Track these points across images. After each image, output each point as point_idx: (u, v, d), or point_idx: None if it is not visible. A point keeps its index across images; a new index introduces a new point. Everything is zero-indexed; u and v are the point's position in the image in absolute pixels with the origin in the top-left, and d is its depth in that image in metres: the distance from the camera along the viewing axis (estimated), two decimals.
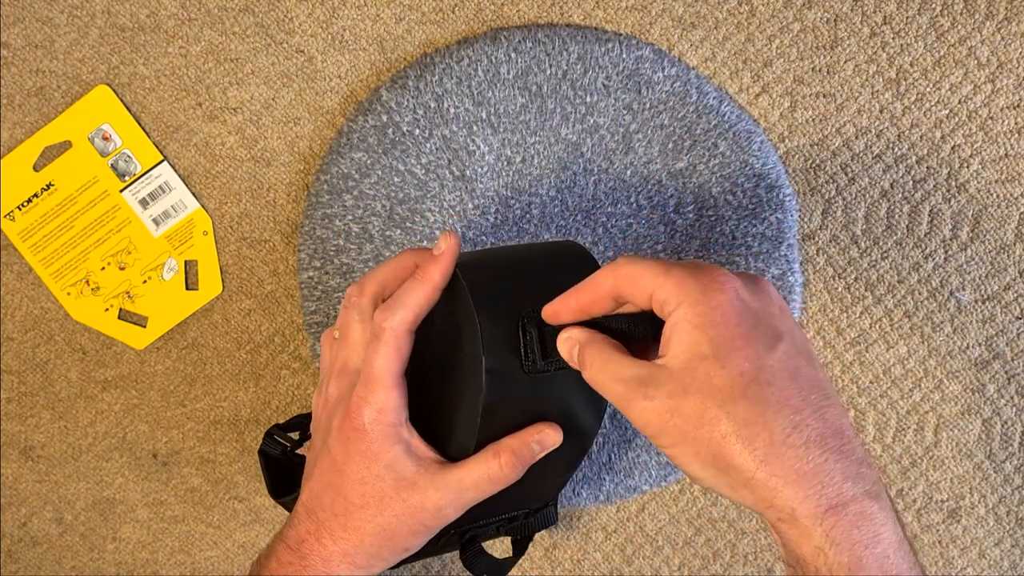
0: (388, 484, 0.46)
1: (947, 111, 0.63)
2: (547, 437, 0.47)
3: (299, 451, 0.59)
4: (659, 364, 0.39)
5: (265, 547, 0.51)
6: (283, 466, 0.58)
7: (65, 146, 0.66)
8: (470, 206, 0.64)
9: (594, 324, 0.44)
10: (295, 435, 0.60)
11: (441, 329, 0.49)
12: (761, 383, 0.36)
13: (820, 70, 0.63)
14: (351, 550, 0.47)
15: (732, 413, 0.36)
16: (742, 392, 0.36)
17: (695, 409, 0.37)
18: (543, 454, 0.47)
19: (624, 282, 0.41)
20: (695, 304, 0.38)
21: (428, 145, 0.63)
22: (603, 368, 0.41)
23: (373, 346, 0.46)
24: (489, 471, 0.46)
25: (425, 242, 0.64)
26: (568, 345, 0.44)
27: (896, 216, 0.64)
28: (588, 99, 0.62)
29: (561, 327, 0.45)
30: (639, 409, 0.39)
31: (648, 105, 0.62)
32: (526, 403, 0.47)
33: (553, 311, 0.45)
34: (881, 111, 0.63)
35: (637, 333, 0.43)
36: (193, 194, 0.67)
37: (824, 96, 0.63)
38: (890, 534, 0.36)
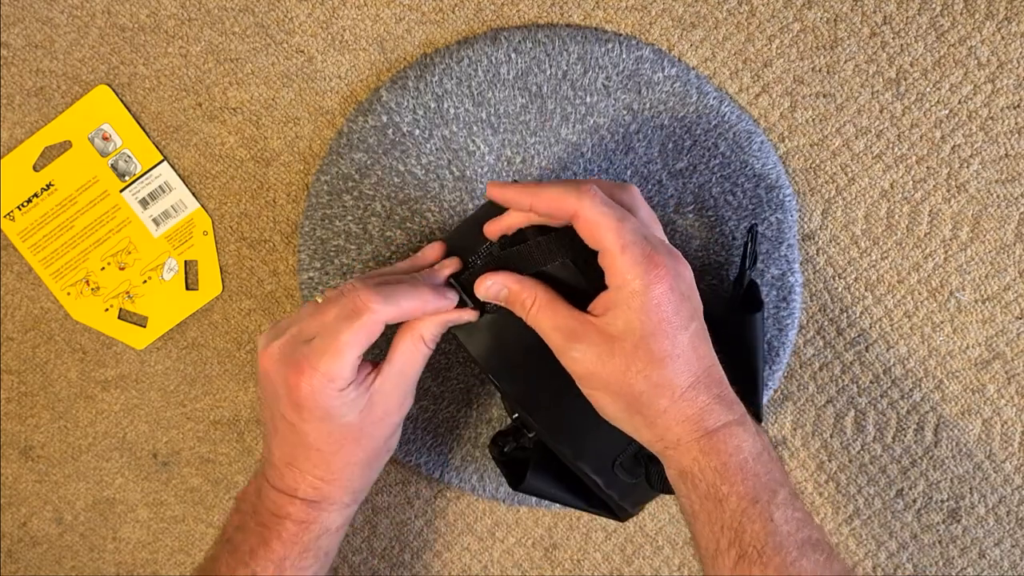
0: (351, 426, 0.52)
1: (947, 111, 0.63)
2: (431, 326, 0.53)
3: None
4: (594, 321, 0.48)
5: (245, 502, 0.55)
6: (512, 461, 0.60)
7: (65, 146, 0.66)
8: (470, 206, 0.63)
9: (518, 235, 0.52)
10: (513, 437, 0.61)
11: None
12: (673, 357, 0.47)
13: (820, 70, 0.63)
14: (345, 483, 0.54)
15: (648, 377, 0.47)
16: (659, 363, 0.47)
17: (619, 368, 0.47)
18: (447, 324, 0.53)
19: (582, 224, 0.48)
20: (637, 294, 0.47)
21: (428, 145, 0.63)
22: (541, 312, 0.50)
23: (348, 321, 0.49)
24: (404, 357, 0.52)
25: (425, 242, 0.64)
26: (496, 288, 0.52)
27: (896, 216, 0.64)
28: (588, 99, 0.62)
29: (473, 270, 0.53)
30: (571, 358, 0.49)
31: (648, 105, 0.62)
32: (514, 327, 0.52)
33: (497, 222, 0.53)
34: (881, 111, 0.63)
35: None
36: (193, 194, 0.67)
37: (824, 96, 0.63)
38: (750, 447, 0.47)
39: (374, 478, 0.56)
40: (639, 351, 0.47)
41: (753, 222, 0.63)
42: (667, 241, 0.51)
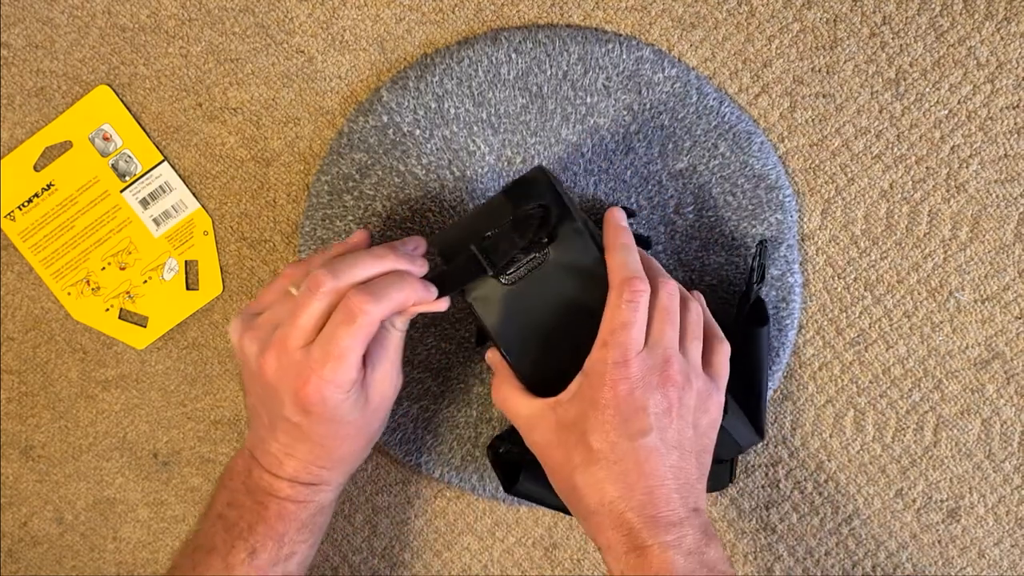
0: (353, 427, 0.53)
1: (946, 111, 0.63)
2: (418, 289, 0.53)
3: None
4: (554, 408, 0.51)
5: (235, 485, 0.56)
6: (508, 464, 0.61)
7: (66, 146, 0.66)
8: (471, 206, 0.64)
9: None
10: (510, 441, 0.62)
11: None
12: (610, 461, 0.49)
13: (819, 70, 0.63)
14: (342, 468, 0.56)
15: (583, 474, 0.49)
16: (593, 462, 0.49)
17: (562, 458, 0.51)
18: (399, 305, 0.51)
19: (612, 274, 0.53)
20: (595, 388, 0.50)
21: (428, 146, 0.63)
22: (505, 401, 0.54)
23: (345, 326, 0.49)
24: (381, 372, 0.53)
25: None
26: (488, 361, 0.57)
27: (895, 216, 0.64)
28: (588, 100, 0.62)
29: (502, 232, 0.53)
30: (526, 438, 0.53)
31: (648, 106, 0.62)
32: (532, 304, 0.53)
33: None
34: (880, 111, 0.63)
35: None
36: (193, 194, 0.67)
37: (823, 96, 0.63)
38: (680, 570, 0.47)
39: (367, 455, 0.58)
40: (580, 443, 0.49)
41: (763, 237, 0.63)
42: (691, 354, 0.53)
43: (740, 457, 0.67)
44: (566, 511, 0.58)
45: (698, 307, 0.55)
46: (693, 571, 0.47)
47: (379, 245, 0.53)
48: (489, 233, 0.53)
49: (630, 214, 0.60)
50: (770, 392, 0.65)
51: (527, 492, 0.59)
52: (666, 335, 0.51)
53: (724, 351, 0.55)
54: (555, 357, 0.53)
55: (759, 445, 0.66)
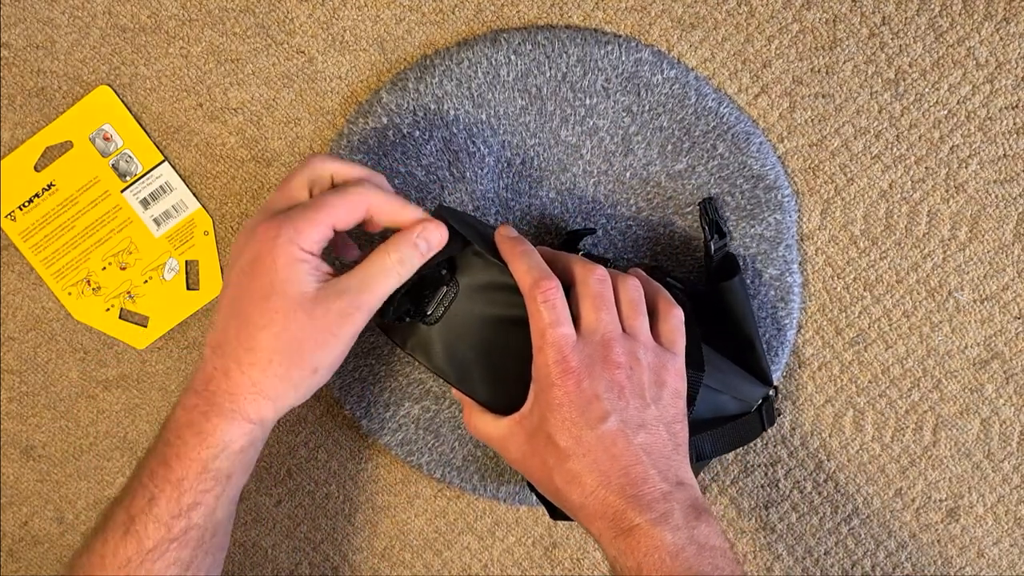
0: (292, 299, 0.48)
1: (946, 111, 0.63)
2: (429, 232, 0.52)
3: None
4: (519, 421, 0.52)
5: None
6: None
7: (66, 146, 0.66)
8: (470, 208, 0.64)
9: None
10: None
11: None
12: (579, 454, 0.49)
13: (819, 71, 0.63)
14: (258, 376, 0.49)
15: (560, 472, 0.50)
16: (565, 459, 0.50)
17: (539, 463, 0.51)
18: (431, 251, 0.52)
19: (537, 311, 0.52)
20: (545, 389, 0.50)
21: (428, 147, 0.63)
22: (476, 429, 0.55)
23: (339, 192, 0.51)
24: (383, 266, 0.51)
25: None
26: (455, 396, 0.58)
27: (894, 216, 0.64)
28: (588, 101, 0.62)
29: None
30: (506, 457, 0.54)
31: (647, 107, 0.62)
32: (462, 333, 0.54)
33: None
34: (880, 111, 0.63)
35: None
36: (194, 194, 0.67)
37: (823, 97, 0.63)
38: (668, 546, 0.47)
39: (286, 400, 0.50)
40: (549, 446, 0.50)
41: (706, 196, 0.63)
42: (639, 332, 0.53)
43: (738, 456, 0.67)
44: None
45: (635, 282, 0.54)
46: (683, 547, 0.47)
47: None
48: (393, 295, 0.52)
49: (589, 232, 0.62)
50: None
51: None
52: (601, 320, 0.51)
53: (674, 317, 0.54)
54: (504, 374, 0.54)
55: (759, 445, 0.67)
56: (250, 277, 0.49)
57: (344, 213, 0.50)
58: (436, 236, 0.52)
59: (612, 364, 0.50)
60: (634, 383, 0.51)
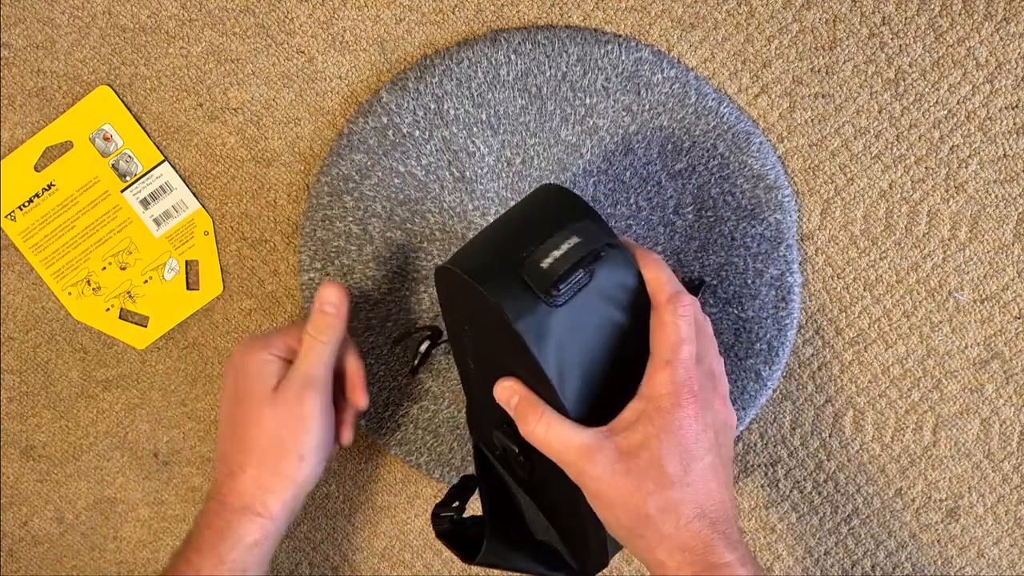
0: (260, 397, 0.55)
1: (945, 111, 0.63)
2: (323, 294, 0.57)
3: (465, 515, 0.60)
4: (611, 437, 0.48)
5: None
6: (460, 534, 0.59)
7: (66, 146, 0.66)
8: (470, 207, 0.64)
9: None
10: (455, 505, 0.60)
11: (480, 328, 0.52)
12: (684, 483, 0.47)
13: (819, 71, 0.63)
14: (256, 473, 0.55)
15: (657, 499, 0.47)
16: (668, 486, 0.47)
17: (630, 487, 0.47)
18: (338, 306, 0.57)
19: (657, 319, 0.49)
20: (662, 412, 0.47)
21: (428, 147, 0.63)
22: (550, 433, 0.49)
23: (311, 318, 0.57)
24: (307, 342, 0.56)
25: (425, 243, 0.64)
26: (507, 394, 0.51)
27: (894, 216, 0.64)
28: (588, 101, 0.62)
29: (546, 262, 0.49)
30: (588, 476, 0.48)
31: (647, 107, 0.62)
32: (576, 328, 0.48)
33: None
34: (880, 111, 0.63)
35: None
36: (194, 194, 0.67)
37: (823, 97, 0.63)
38: None
39: (288, 492, 0.56)
40: (652, 470, 0.47)
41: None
42: (717, 368, 0.52)
43: (739, 456, 0.67)
44: (533, 571, 0.57)
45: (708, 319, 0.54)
46: None
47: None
48: (527, 253, 0.48)
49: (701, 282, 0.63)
50: (769, 391, 0.65)
51: (494, 557, 0.56)
52: (709, 350, 0.51)
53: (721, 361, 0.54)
54: (598, 383, 0.49)
55: (759, 446, 0.67)
56: (232, 389, 0.56)
57: (291, 338, 0.57)
58: (330, 293, 0.57)
59: (719, 397, 0.50)
60: (724, 421, 0.51)
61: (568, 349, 0.48)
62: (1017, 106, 0.62)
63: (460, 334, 0.56)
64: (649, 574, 0.49)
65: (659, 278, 0.50)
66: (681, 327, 0.48)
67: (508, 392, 0.51)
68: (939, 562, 0.67)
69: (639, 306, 0.49)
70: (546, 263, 0.47)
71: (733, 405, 0.59)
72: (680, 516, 0.47)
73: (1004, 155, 0.63)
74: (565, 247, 0.48)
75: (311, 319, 0.57)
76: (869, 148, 0.64)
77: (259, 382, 0.55)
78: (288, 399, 0.55)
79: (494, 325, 0.48)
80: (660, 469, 0.47)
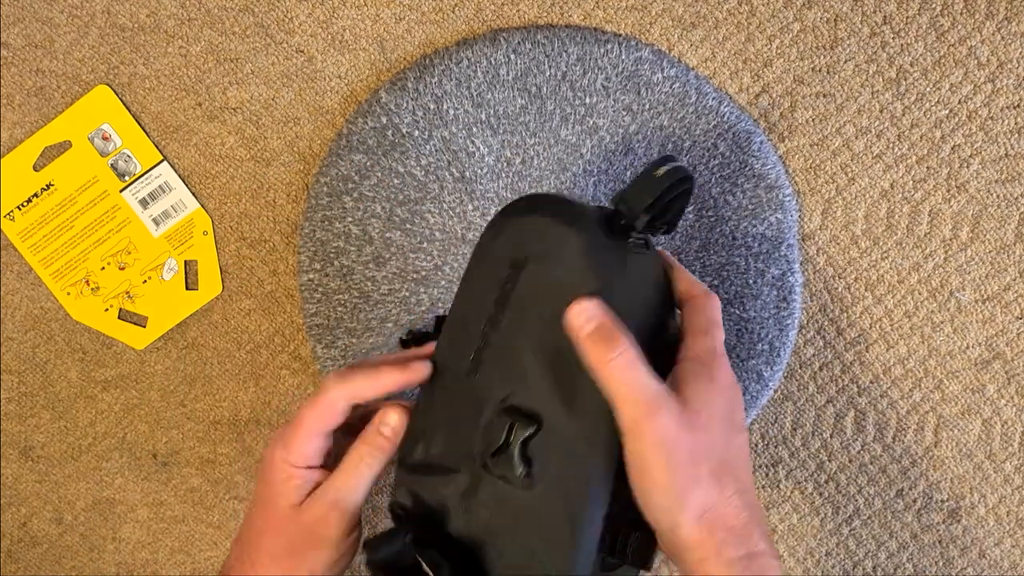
0: (283, 510, 0.51)
1: (947, 111, 0.63)
2: (387, 417, 0.51)
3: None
4: (668, 390, 0.44)
5: None
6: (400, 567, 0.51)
7: (65, 146, 0.66)
8: (470, 207, 0.64)
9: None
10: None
11: (534, 276, 0.48)
12: (730, 461, 0.46)
13: (820, 70, 0.63)
14: (264, 573, 0.52)
15: (734, 443, 0.46)
16: (740, 431, 0.47)
17: (692, 444, 0.44)
18: (395, 435, 0.51)
19: (689, 307, 0.51)
20: (707, 373, 0.47)
21: (428, 147, 0.63)
22: (629, 369, 0.44)
23: (311, 399, 0.50)
24: (353, 465, 0.51)
25: (425, 243, 0.64)
26: (582, 317, 0.44)
27: (896, 216, 0.64)
28: (588, 100, 0.62)
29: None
30: (645, 429, 0.43)
31: (647, 106, 0.62)
32: (632, 281, 0.48)
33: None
34: (881, 111, 0.63)
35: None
36: (193, 194, 0.67)
37: (824, 96, 0.63)
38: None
39: None
40: (724, 422, 0.46)
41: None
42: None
43: None
44: None
45: None
46: None
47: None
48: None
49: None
50: (770, 392, 0.65)
51: None
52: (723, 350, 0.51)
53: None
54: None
55: (760, 446, 0.66)
56: (260, 486, 0.53)
57: (316, 422, 0.50)
58: (392, 417, 0.51)
59: (739, 390, 0.50)
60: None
61: (625, 305, 0.45)
62: (1019, 106, 0.62)
63: (484, 297, 0.50)
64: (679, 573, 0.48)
65: (690, 278, 0.52)
66: (715, 313, 0.50)
67: (585, 315, 0.44)
68: (941, 563, 0.67)
69: (661, 301, 0.51)
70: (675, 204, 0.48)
71: None
72: (738, 481, 0.45)
73: (1006, 155, 0.63)
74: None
75: (364, 435, 0.51)
76: (870, 148, 0.63)
77: (283, 498, 0.51)
78: (314, 517, 0.51)
79: (563, 264, 0.45)
80: (731, 419, 0.47)
